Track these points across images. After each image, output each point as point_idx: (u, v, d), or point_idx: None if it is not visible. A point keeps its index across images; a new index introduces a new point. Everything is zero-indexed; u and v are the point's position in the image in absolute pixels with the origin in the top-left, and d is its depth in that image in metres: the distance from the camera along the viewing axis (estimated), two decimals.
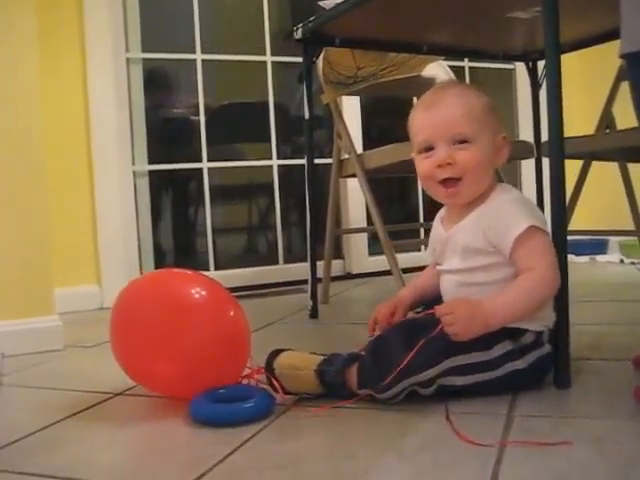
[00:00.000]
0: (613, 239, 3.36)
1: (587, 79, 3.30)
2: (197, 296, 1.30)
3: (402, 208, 3.88)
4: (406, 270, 2.28)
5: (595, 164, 2.36)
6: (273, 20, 3.18)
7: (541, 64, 2.64)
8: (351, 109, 3.17)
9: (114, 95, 2.76)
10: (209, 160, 3.04)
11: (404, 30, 2.18)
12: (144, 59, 2.97)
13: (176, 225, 3.35)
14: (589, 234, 3.05)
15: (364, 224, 3.16)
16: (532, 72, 2.67)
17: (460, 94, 1.28)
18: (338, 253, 3.20)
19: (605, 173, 2.54)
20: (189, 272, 1.39)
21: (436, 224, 1.38)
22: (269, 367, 1.25)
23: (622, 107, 2.25)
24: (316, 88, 2.42)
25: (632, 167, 2.54)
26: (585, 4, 1.85)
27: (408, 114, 1.33)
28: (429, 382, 1.17)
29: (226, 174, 3.27)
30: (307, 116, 2.23)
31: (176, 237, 3.33)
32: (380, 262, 2.66)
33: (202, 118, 3.04)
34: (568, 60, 2.06)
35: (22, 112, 1.87)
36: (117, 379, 1.31)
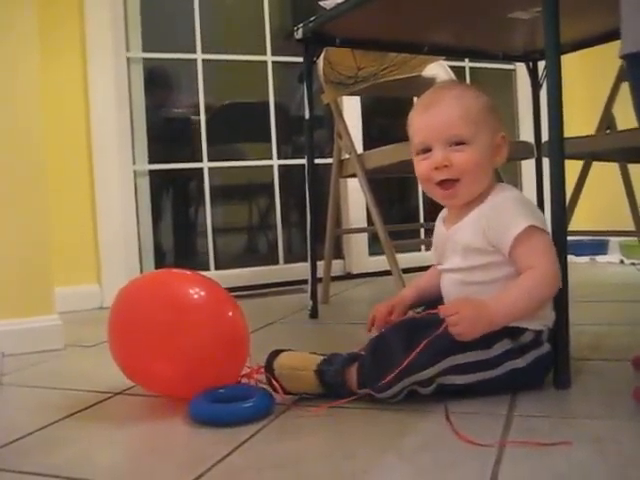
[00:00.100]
0: (613, 240, 3.36)
1: (589, 79, 3.30)
2: (196, 296, 1.30)
3: (402, 208, 3.88)
4: (406, 270, 2.28)
5: (595, 164, 2.36)
6: (274, 20, 3.18)
7: (541, 64, 2.65)
8: (351, 109, 3.17)
9: (115, 95, 2.76)
10: (209, 160, 3.04)
11: (405, 30, 2.18)
12: (145, 59, 2.97)
13: (176, 225, 3.35)
14: (589, 234, 3.05)
15: (364, 224, 3.16)
16: (532, 72, 2.67)
17: (458, 95, 1.28)
18: (338, 253, 3.20)
19: (605, 174, 2.54)
20: (188, 272, 1.39)
21: (438, 224, 1.38)
22: (269, 367, 1.25)
23: (623, 107, 2.25)
24: (316, 88, 2.42)
25: (632, 168, 2.54)
26: (586, 4, 1.85)
27: (408, 114, 1.33)
28: (429, 381, 1.17)
29: (226, 174, 3.27)
30: (307, 116, 2.23)
31: (176, 237, 3.33)
32: (380, 262, 2.66)
33: (202, 118, 3.04)
34: (570, 60, 2.07)
35: (22, 112, 1.87)
36: (116, 379, 1.31)
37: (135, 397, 1.35)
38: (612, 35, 1.13)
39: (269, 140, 3.16)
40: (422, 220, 3.48)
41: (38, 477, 0.98)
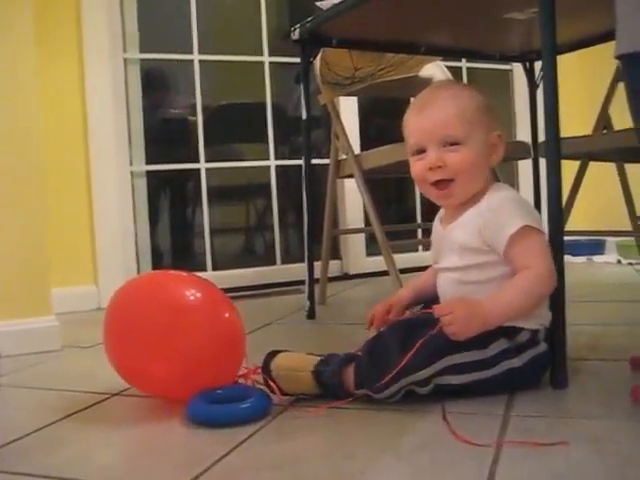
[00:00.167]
0: (610, 240, 3.37)
1: (586, 79, 3.30)
2: (192, 297, 1.30)
3: (400, 208, 3.88)
4: (403, 270, 2.28)
5: (592, 164, 2.36)
6: (270, 21, 3.18)
7: (538, 65, 2.64)
8: (348, 109, 3.18)
9: (112, 96, 2.76)
10: (207, 160, 3.04)
11: (402, 31, 2.18)
12: (142, 59, 2.97)
13: (174, 225, 3.35)
14: (586, 235, 3.06)
15: (361, 224, 3.16)
16: (529, 73, 2.68)
17: (451, 95, 1.28)
18: (335, 254, 3.20)
19: (602, 174, 2.54)
20: (184, 273, 1.39)
21: (435, 223, 1.39)
22: (266, 368, 1.25)
23: (619, 108, 2.25)
24: (313, 89, 2.42)
25: (629, 167, 2.54)
26: (582, 5, 1.85)
27: (405, 115, 1.34)
28: (426, 381, 1.17)
29: (224, 175, 3.27)
30: (304, 117, 2.23)
31: (174, 237, 3.33)
32: (378, 262, 2.65)
33: (200, 118, 3.04)
34: (568, 60, 2.07)
35: (21, 113, 1.87)
36: (114, 380, 1.31)
37: (132, 398, 1.35)
38: (609, 35, 1.13)
39: (266, 141, 3.16)
40: (419, 220, 3.49)
41: (36, 478, 0.98)
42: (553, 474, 0.89)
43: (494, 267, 1.23)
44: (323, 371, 1.22)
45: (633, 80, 1.12)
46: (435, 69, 2.73)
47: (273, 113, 3.18)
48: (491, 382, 1.19)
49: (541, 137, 1.83)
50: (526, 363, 1.21)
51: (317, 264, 2.39)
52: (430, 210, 3.48)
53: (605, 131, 2.47)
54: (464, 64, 3.53)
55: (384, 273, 2.39)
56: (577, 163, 2.36)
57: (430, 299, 1.34)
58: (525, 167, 3.20)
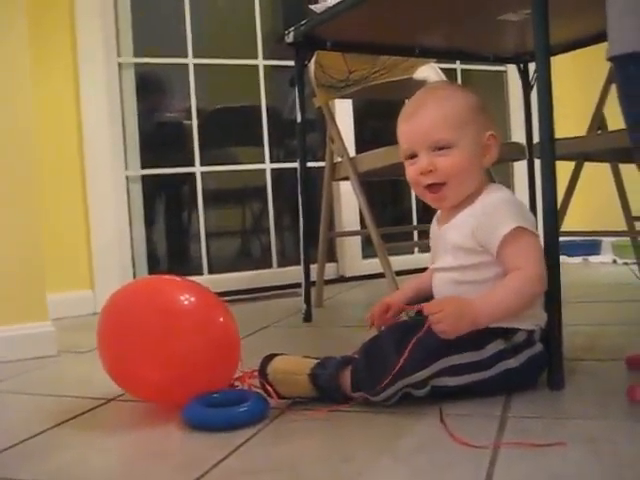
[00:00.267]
0: (606, 240, 3.37)
1: (581, 80, 3.31)
2: (186, 302, 1.30)
3: (395, 210, 3.88)
4: (400, 272, 2.28)
5: (587, 165, 2.36)
6: (265, 24, 3.18)
7: (532, 66, 2.65)
8: (343, 112, 3.18)
9: (106, 100, 2.76)
10: (202, 164, 3.04)
11: (396, 33, 2.18)
12: (136, 64, 2.96)
13: (169, 230, 3.34)
14: (582, 235, 3.06)
15: (357, 227, 3.16)
16: (523, 74, 2.68)
17: (440, 99, 1.29)
18: (331, 256, 3.20)
19: (597, 174, 2.54)
20: (177, 278, 1.39)
21: (433, 223, 1.40)
22: (263, 372, 1.25)
23: (614, 108, 2.26)
24: (308, 91, 2.43)
25: (624, 168, 2.54)
26: (575, 6, 1.86)
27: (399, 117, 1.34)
28: (422, 383, 1.17)
29: (219, 178, 3.27)
30: (299, 119, 2.23)
31: (169, 242, 3.32)
32: (374, 265, 2.66)
33: (195, 122, 3.03)
34: (563, 61, 2.07)
35: (15, 118, 1.87)
36: (111, 384, 1.31)
37: (129, 403, 1.35)
38: (603, 36, 1.13)
39: (261, 144, 3.16)
40: (415, 222, 3.49)
41: None
42: (550, 475, 0.89)
43: (488, 268, 1.24)
44: (320, 374, 1.22)
45: (624, 81, 1.12)
46: (429, 71, 2.73)
47: (268, 116, 3.18)
48: (488, 383, 1.19)
49: (536, 138, 1.83)
50: (522, 364, 1.21)
51: (313, 267, 2.38)
52: (426, 212, 3.50)
53: (599, 132, 2.47)
54: (458, 66, 3.54)
55: (380, 275, 2.39)
56: (572, 164, 2.36)
57: (428, 299, 1.34)
58: (520, 168, 3.21)
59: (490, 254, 1.22)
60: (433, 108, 1.27)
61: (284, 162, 3.27)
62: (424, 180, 1.28)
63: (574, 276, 2.83)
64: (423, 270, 1.46)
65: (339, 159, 2.49)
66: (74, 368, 1.75)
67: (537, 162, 2.33)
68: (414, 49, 2.37)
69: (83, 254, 2.71)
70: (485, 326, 1.19)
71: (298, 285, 2.36)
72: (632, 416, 1.10)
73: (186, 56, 3.01)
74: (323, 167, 2.61)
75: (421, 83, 2.62)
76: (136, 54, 2.96)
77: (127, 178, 2.88)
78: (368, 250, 3.15)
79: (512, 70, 2.97)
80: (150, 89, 3.14)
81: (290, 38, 2.16)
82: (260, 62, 3.15)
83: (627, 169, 2.54)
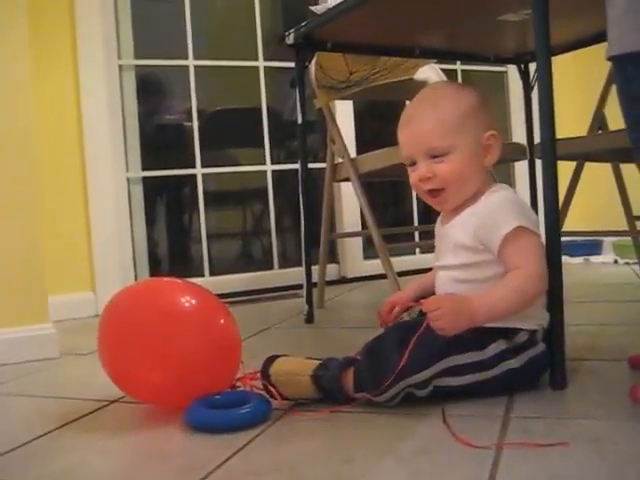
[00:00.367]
0: (607, 240, 3.37)
1: (583, 80, 3.30)
2: (187, 304, 1.30)
3: (396, 211, 3.88)
4: (401, 273, 2.28)
5: (588, 165, 2.36)
6: (265, 25, 3.18)
7: (533, 66, 2.65)
8: (344, 113, 3.18)
9: (107, 102, 2.76)
10: (203, 166, 3.04)
11: (396, 34, 2.18)
12: (137, 66, 2.97)
13: (170, 231, 3.35)
14: (583, 235, 3.06)
15: (358, 228, 3.16)
16: (524, 74, 2.68)
17: (434, 105, 1.29)
18: (333, 257, 3.20)
19: (598, 174, 2.54)
20: (178, 280, 1.39)
21: (437, 221, 1.40)
22: (265, 373, 1.25)
23: (614, 108, 2.25)
24: (309, 93, 2.43)
25: (625, 168, 2.54)
26: (576, 6, 1.86)
27: (400, 118, 1.34)
28: (424, 383, 1.17)
29: (220, 180, 3.27)
30: (300, 121, 2.23)
31: (171, 243, 3.32)
32: (375, 266, 2.66)
33: (195, 124, 3.04)
34: (564, 61, 2.07)
35: (15, 118, 1.87)
36: (112, 386, 1.31)
37: (131, 405, 1.35)
38: (603, 36, 1.13)
39: (262, 145, 3.16)
40: (416, 223, 3.49)
41: None
42: (553, 475, 0.89)
43: (489, 266, 1.24)
44: (322, 375, 1.22)
45: (623, 81, 1.12)
46: (430, 72, 2.73)
47: (269, 118, 3.18)
48: (490, 383, 1.19)
49: (536, 138, 1.83)
50: (524, 364, 1.21)
51: (315, 268, 2.38)
52: (427, 213, 3.50)
53: (600, 132, 2.47)
54: (459, 66, 3.54)
55: (382, 276, 2.39)
56: (573, 164, 2.36)
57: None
58: (521, 168, 3.21)
59: (491, 253, 1.23)
60: (428, 115, 1.28)
61: (285, 163, 3.27)
62: (424, 186, 1.29)
63: (575, 276, 2.83)
64: (424, 271, 1.47)
65: (340, 160, 2.49)
66: (76, 370, 1.75)
67: (538, 162, 2.33)
68: (414, 50, 2.37)
69: (84, 256, 2.71)
70: (483, 324, 1.19)
71: (299, 286, 2.36)
72: (635, 416, 1.10)
73: (186, 58, 3.01)
74: (324, 168, 2.61)
75: (422, 84, 2.62)
76: (137, 56, 2.96)
77: (128, 180, 2.89)
78: (369, 251, 3.15)
79: (513, 70, 2.97)
80: (151, 91, 3.14)
81: (290, 39, 2.16)
82: (261, 63, 3.16)
83: (628, 169, 2.54)
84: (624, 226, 2.59)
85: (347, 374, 1.21)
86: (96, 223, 2.72)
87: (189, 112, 3.06)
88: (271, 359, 1.27)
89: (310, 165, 2.33)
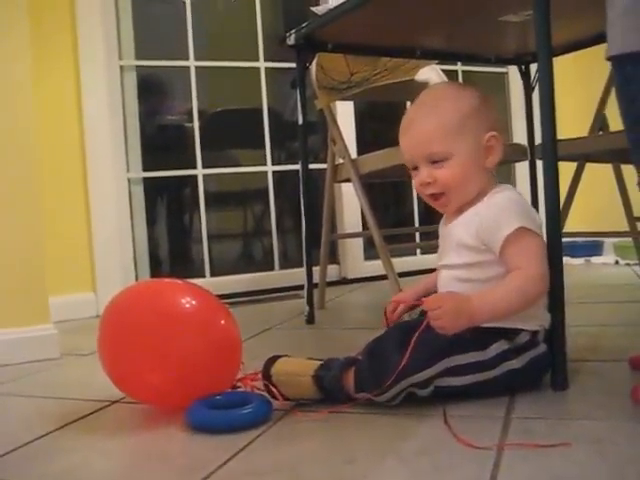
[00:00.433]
0: (608, 241, 3.37)
1: (584, 80, 3.30)
2: (187, 305, 1.30)
3: (397, 212, 3.88)
4: (402, 274, 2.28)
5: (589, 166, 2.36)
6: (266, 26, 3.18)
7: (534, 67, 2.65)
8: (345, 114, 3.18)
9: (108, 103, 2.76)
10: (204, 167, 3.04)
11: (397, 35, 2.18)
12: (137, 66, 2.97)
13: (171, 232, 3.35)
14: (584, 236, 3.06)
15: (359, 229, 3.16)
16: (525, 75, 2.68)
17: (432, 110, 1.29)
18: (334, 258, 3.20)
19: (599, 175, 2.54)
20: (179, 281, 1.39)
21: (441, 221, 1.40)
22: (266, 374, 1.25)
23: (615, 109, 2.25)
24: (310, 93, 2.43)
25: (626, 168, 2.54)
26: (577, 6, 1.86)
27: (401, 119, 1.34)
28: (426, 383, 1.17)
29: (221, 180, 3.27)
30: (301, 121, 2.23)
31: (171, 244, 3.32)
32: (376, 266, 2.65)
33: (196, 125, 3.04)
34: (564, 62, 2.07)
35: (15, 118, 1.87)
36: (113, 387, 1.31)
37: (132, 405, 1.35)
38: (604, 37, 1.13)
39: (263, 146, 3.16)
40: (417, 224, 3.49)
41: None
42: (554, 476, 0.89)
43: (491, 266, 1.24)
44: (324, 376, 1.22)
45: (622, 81, 1.12)
46: (431, 73, 2.73)
47: (269, 118, 3.18)
48: (491, 384, 1.19)
49: (537, 139, 1.83)
50: (526, 364, 1.21)
51: (315, 269, 2.38)
52: (427, 214, 3.50)
53: (601, 132, 2.47)
54: (460, 67, 3.54)
55: (382, 277, 2.39)
56: (574, 165, 2.36)
57: None
58: (522, 169, 3.20)
59: (493, 253, 1.23)
60: (427, 120, 1.28)
61: (286, 164, 3.27)
62: (425, 190, 1.30)
63: (576, 277, 2.82)
64: (425, 272, 1.47)
65: (341, 161, 2.49)
66: (76, 371, 1.75)
67: (539, 163, 2.33)
68: (415, 51, 2.37)
69: (85, 257, 2.71)
70: (482, 324, 1.19)
71: (300, 287, 2.36)
72: (636, 417, 1.10)
73: (187, 58, 3.01)
74: (325, 169, 2.61)
75: (422, 85, 2.62)
76: (138, 57, 2.96)
77: (129, 180, 2.89)
78: (370, 252, 3.15)
79: (513, 71, 2.96)
80: (152, 91, 3.15)
81: (291, 40, 2.16)
82: (261, 64, 3.16)
83: (629, 170, 2.54)
84: (625, 227, 2.59)
85: (348, 374, 1.21)
86: (97, 224, 2.72)
87: (190, 113, 3.06)
88: (272, 359, 1.27)
89: (311, 166, 2.34)
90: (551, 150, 1.26)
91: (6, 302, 1.83)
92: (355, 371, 1.21)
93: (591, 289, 2.56)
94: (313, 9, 2.26)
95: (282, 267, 3.16)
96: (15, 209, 1.86)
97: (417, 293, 1.42)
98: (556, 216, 1.27)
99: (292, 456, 1.03)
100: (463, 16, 1.98)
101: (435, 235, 1.41)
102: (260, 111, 3.17)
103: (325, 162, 2.62)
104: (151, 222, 3.07)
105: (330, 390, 1.22)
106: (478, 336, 1.18)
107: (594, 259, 3.35)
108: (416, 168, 1.31)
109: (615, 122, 2.33)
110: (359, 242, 3.27)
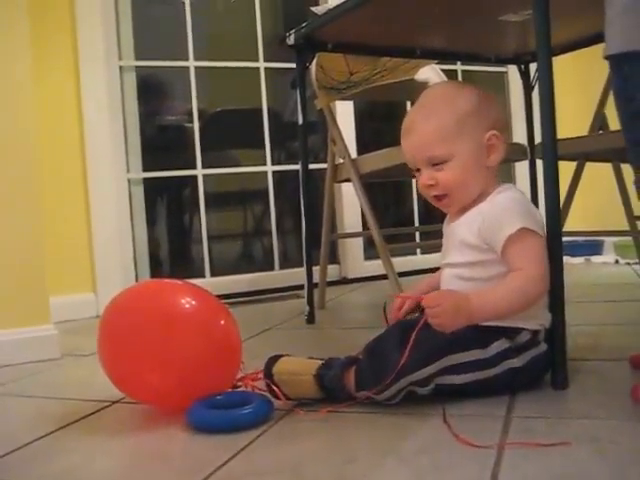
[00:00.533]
0: (608, 240, 3.37)
1: (583, 80, 3.30)
2: (187, 305, 1.30)
3: (397, 212, 3.88)
4: (402, 274, 2.28)
5: (589, 165, 2.36)
6: (266, 26, 3.18)
7: (533, 66, 2.65)
8: (345, 114, 3.18)
9: (108, 103, 2.76)
10: (204, 167, 3.04)
11: (396, 35, 2.18)
12: (137, 67, 2.97)
13: (171, 232, 3.35)
14: (584, 235, 3.06)
15: (359, 228, 3.16)
16: (524, 74, 2.68)
17: (432, 110, 1.29)
18: (334, 258, 3.20)
19: (599, 174, 2.54)
20: (178, 281, 1.39)
21: (445, 219, 1.41)
22: (268, 373, 1.25)
23: (615, 108, 2.25)
24: (310, 93, 2.43)
25: (625, 167, 2.54)
26: (576, 6, 1.86)
27: (401, 118, 1.34)
28: (426, 381, 1.17)
29: (221, 181, 3.27)
30: (301, 121, 2.23)
31: (171, 244, 3.33)
32: (376, 266, 2.66)
33: (196, 125, 3.04)
34: (563, 61, 2.07)
35: (15, 118, 1.87)
36: (113, 387, 1.31)
37: (132, 405, 1.35)
38: (604, 36, 1.13)
39: (263, 146, 3.17)
40: (417, 223, 3.49)
41: None
42: (555, 475, 0.89)
43: (494, 265, 1.24)
44: (325, 375, 1.22)
45: (619, 81, 1.12)
46: (430, 72, 2.73)
47: (269, 119, 3.18)
48: (492, 382, 1.19)
49: (537, 138, 1.83)
50: (526, 363, 1.21)
51: (315, 269, 2.38)
52: (428, 213, 3.50)
53: (601, 132, 2.47)
54: (459, 67, 3.54)
55: (382, 277, 2.39)
56: (574, 164, 2.36)
57: None
58: (522, 168, 3.20)
59: (495, 252, 1.23)
60: (426, 123, 1.28)
61: (286, 164, 3.27)
62: (428, 192, 1.31)
63: (577, 276, 2.82)
64: (425, 271, 1.47)
65: (341, 161, 2.49)
66: (77, 371, 1.75)
67: (539, 162, 2.33)
68: (415, 50, 2.37)
69: (85, 257, 2.71)
70: (481, 322, 1.20)
71: (300, 287, 2.36)
72: (636, 416, 1.10)
73: (187, 59, 3.01)
74: (325, 169, 2.61)
75: (422, 84, 2.62)
76: (137, 57, 2.96)
77: (129, 181, 2.89)
78: (370, 252, 3.15)
79: (513, 71, 2.96)
80: (151, 92, 3.15)
81: (291, 40, 2.16)
82: (261, 64, 3.16)
83: (629, 169, 2.53)
84: (625, 226, 2.59)
85: (349, 373, 1.21)
86: (97, 224, 2.73)
87: (190, 113, 3.06)
88: (274, 359, 1.27)
89: (311, 166, 2.34)
90: (551, 149, 1.26)
91: (6, 302, 1.83)
92: (356, 370, 1.21)
93: (591, 288, 2.56)
94: (313, 9, 2.26)
95: (282, 267, 3.17)
96: (15, 209, 1.86)
97: (421, 292, 1.41)
98: (556, 215, 1.27)
99: (293, 456, 1.03)
100: (463, 16, 1.98)
101: (435, 235, 1.42)
102: (260, 111, 3.17)
103: (325, 162, 2.62)
104: (151, 222, 3.07)
105: (331, 389, 1.22)
106: (479, 334, 1.19)
107: (594, 258, 3.35)
108: (418, 170, 1.31)
109: (615, 121, 2.33)
110: (359, 242, 3.27)
